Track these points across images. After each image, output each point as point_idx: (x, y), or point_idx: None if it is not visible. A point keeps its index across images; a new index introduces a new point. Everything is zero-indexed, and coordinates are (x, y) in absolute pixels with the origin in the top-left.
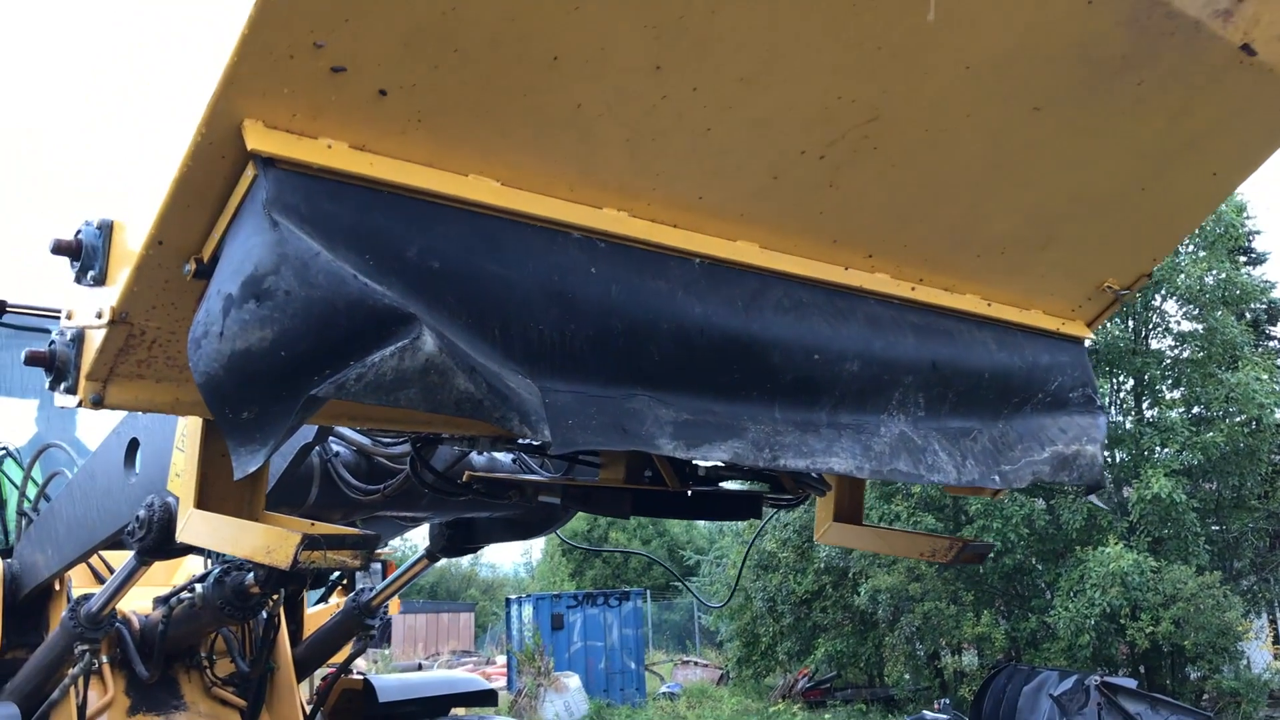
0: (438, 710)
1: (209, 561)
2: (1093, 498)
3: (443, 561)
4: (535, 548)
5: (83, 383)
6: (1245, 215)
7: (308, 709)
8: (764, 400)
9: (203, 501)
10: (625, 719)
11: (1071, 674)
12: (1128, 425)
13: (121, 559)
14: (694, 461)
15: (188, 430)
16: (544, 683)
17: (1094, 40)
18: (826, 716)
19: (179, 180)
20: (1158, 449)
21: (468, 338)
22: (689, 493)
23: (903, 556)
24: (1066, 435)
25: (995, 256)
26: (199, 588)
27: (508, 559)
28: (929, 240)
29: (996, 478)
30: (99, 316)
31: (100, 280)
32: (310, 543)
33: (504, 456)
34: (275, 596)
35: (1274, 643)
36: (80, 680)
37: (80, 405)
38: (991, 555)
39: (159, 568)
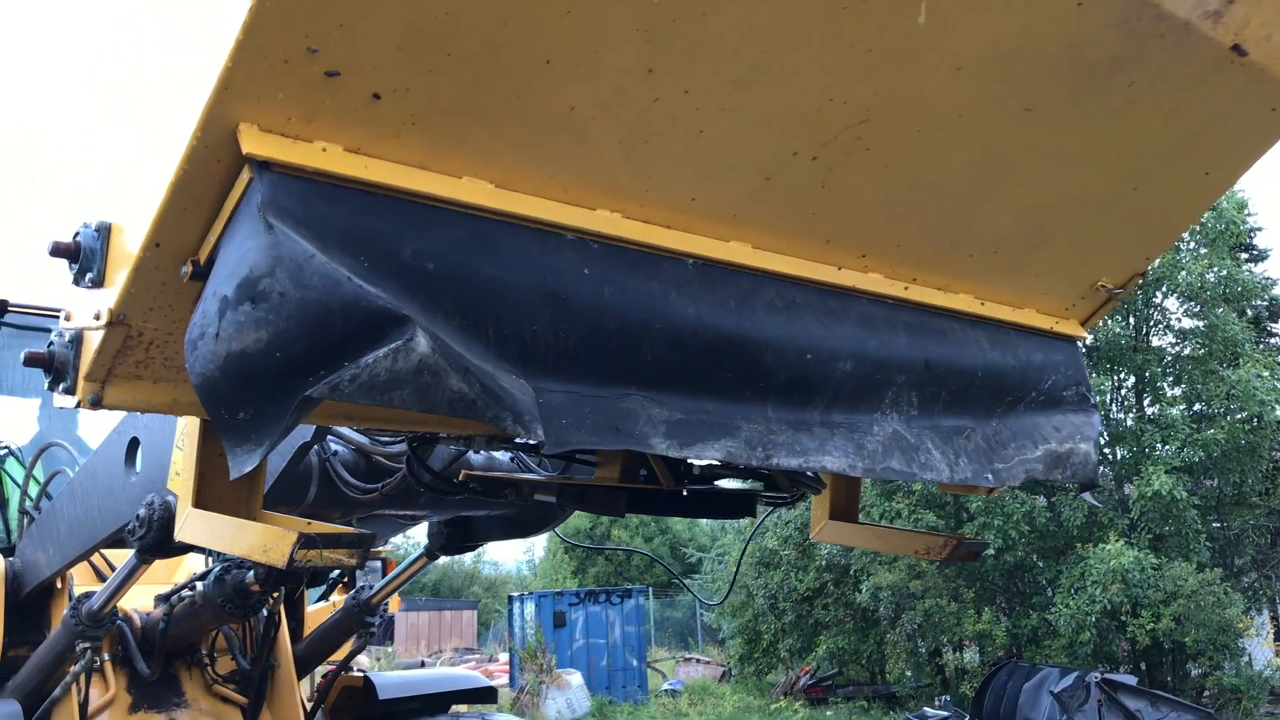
0: (437, 707)
1: (210, 560)
2: (1086, 495)
3: (446, 559)
4: (538, 545)
5: (81, 383)
6: (1246, 212)
7: (308, 706)
8: (757, 399)
9: (201, 500)
10: (627, 716)
11: (1072, 671)
12: (1129, 422)
13: (122, 557)
14: (688, 460)
15: (186, 430)
16: (546, 680)
17: (1084, 42)
18: (828, 713)
19: (176, 183)
20: (1159, 446)
21: (462, 338)
22: (684, 491)
23: (898, 554)
24: (1060, 433)
25: (988, 256)
26: (200, 586)
27: (510, 556)
28: (922, 240)
29: (990, 476)
30: (97, 318)
31: (98, 282)
32: (306, 541)
33: (503, 455)
34: (275, 594)
35: (1275, 639)
36: (82, 678)
37: (79, 406)
38: (993, 552)
39: (160, 566)
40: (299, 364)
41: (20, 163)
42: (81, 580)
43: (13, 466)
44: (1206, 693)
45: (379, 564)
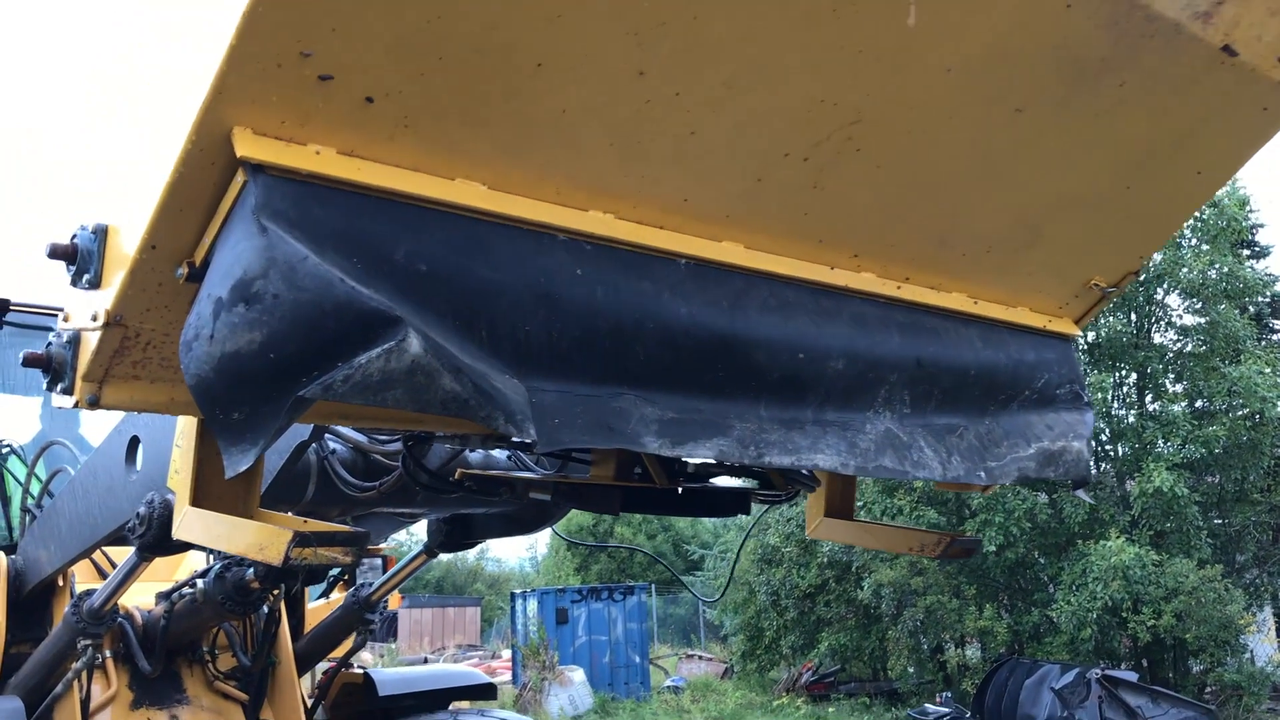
0: (437, 704)
1: (211, 557)
2: (1080, 492)
3: (449, 557)
4: (541, 542)
5: (79, 384)
6: (1248, 209)
7: (309, 702)
8: (750, 398)
9: (198, 499)
10: (630, 713)
11: (1073, 667)
12: (1130, 419)
13: (123, 555)
14: (681, 459)
15: (184, 429)
16: (549, 677)
17: (1074, 43)
18: (830, 710)
19: (171, 186)
20: (1160, 442)
21: (455, 339)
22: (679, 490)
23: (893, 551)
24: (1053, 431)
25: (981, 255)
26: (200, 583)
27: (513, 554)
28: (914, 240)
29: (982, 474)
30: (94, 319)
31: (95, 283)
32: (301, 540)
33: (500, 454)
34: (275, 592)
35: (1277, 636)
36: (83, 674)
37: (77, 406)
38: (994, 549)
39: (161, 563)
40: (292, 365)
41: (20, 163)
42: (83, 578)
43: (15, 465)
44: (1208, 689)
45: (379, 561)
